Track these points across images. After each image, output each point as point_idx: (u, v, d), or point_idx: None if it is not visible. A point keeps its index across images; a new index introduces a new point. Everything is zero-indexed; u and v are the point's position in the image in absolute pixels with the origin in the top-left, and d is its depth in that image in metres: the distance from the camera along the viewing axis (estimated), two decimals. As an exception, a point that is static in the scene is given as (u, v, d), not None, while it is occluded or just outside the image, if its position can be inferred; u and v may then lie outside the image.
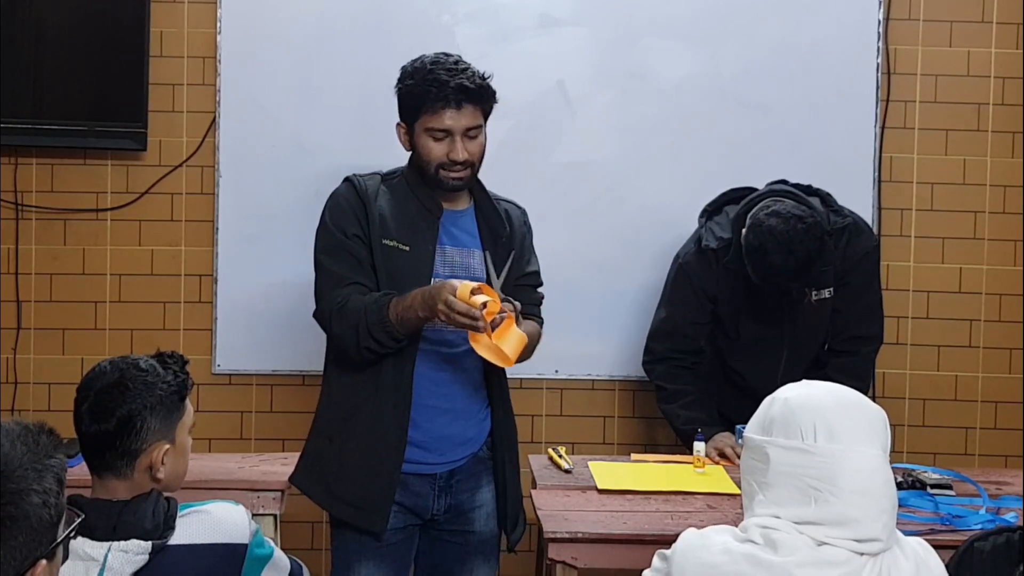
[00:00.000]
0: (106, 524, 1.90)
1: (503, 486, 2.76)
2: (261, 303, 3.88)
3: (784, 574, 1.78)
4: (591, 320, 3.90)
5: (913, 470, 2.95)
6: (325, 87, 3.86)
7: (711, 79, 3.90)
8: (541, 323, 2.84)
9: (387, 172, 2.76)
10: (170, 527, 1.94)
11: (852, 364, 3.39)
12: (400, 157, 2.77)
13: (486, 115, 2.68)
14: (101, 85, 3.81)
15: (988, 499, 2.78)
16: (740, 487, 1.98)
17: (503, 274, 2.64)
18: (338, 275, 2.65)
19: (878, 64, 3.90)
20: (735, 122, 3.89)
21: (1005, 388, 3.98)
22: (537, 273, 2.87)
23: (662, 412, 3.44)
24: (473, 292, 2.45)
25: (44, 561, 1.35)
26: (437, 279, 2.64)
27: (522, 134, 3.84)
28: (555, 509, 2.70)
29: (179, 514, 1.97)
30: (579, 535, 2.57)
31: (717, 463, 3.11)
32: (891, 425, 1.91)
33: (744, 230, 3.14)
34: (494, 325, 2.48)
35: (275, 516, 2.91)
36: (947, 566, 1.97)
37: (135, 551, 1.90)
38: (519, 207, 2.86)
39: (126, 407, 1.96)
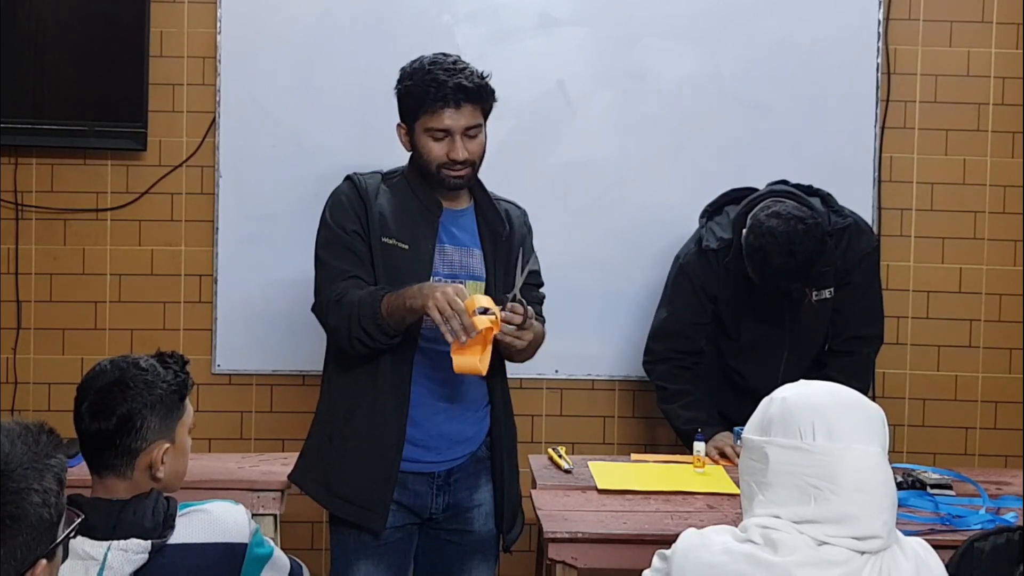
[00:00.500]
0: (106, 523, 1.91)
1: (501, 486, 2.76)
2: (261, 303, 3.88)
3: (784, 574, 1.78)
4: (591, 320, 3.90)
5: (913, 470, 2.95)
6: (325, 87, 3.86)
7: (711, 79, 3.90)
8: (543, 322, 2.85)
9: (388, 171, 2.77)
10: (170, 526, 1.94)
11: (852, 364, 3.39)
12: (400, 157, 2.77)
13: (486, 114, 2.68)
14: (101, 85, 3.81)
15: (988, 499, 2.78)
16: (740, 488, 1.98)
17: (521, 278, 2.63)
18: (337, 269, 2.66)
19: (878, 64, 3.90)
20: (735, 122, 3.89)
21: (1005, 388, 3.98)
22: (538, 273, 2.87)
23: (663, 412, 3.44)
24: (481, 310, 2.46)
25: (44, 561, 1.35)
26: (436, 278, 2.65)
27: (522, 134, 3.84)
28: (555, 509, 2.70)
29: (179, 513, 1.97)
30: (579, 535, 2.57)
31: (717, 463, 3.11)
32: (891, 425, 1.92)
33: (744, 231, 3.14)
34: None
35: (275, 516, 2.92)
36: (947, 566, 1.96)
37: (135, 550, 1.90)
38: (519, 207, 2.87)
39: (126, 406, 1.96)
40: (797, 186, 3.30)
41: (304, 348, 3.69)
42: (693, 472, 3.00)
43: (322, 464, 2.73)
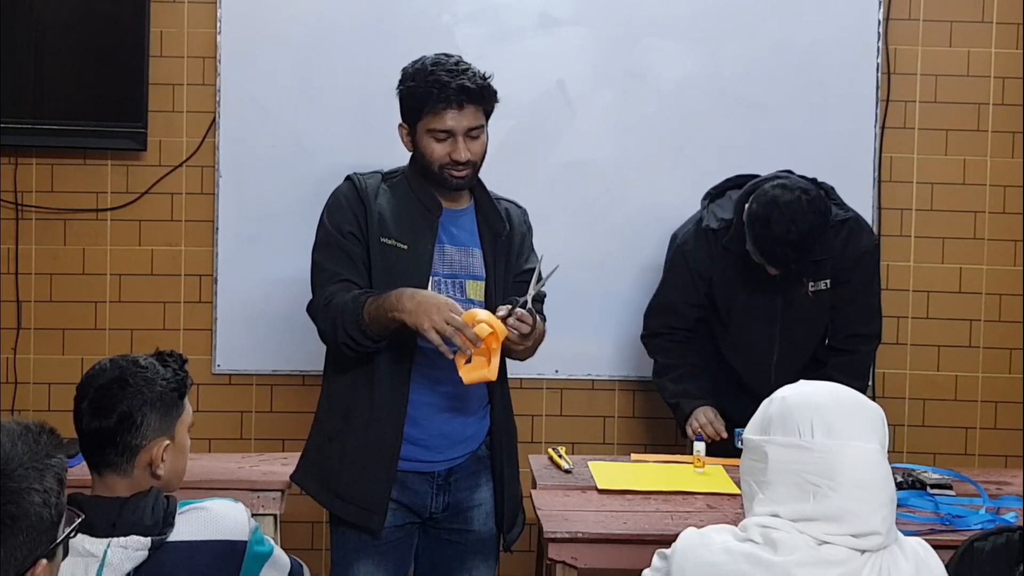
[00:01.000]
0: (106, 521, 1.91)
1: (501, 485, 2.77)
2: (261, 303, 3.88)
3: (784, 573, 1.78)
4: (591, 320, 3.90)
5: (913, 470, 2.95)
6: (325, 87, 3.86)
7: (711, 79, 3.90)
8: (544, 320, 2.85)
9: (388, 171, 2.77)
10: (169, 524, 1.95)
11: (852, 363, 3.39)
12: (400, 156, 2.77)
13: (487, 115, 2.69)
14: (101, 85, 3.81)
15: (988, 499, 2.77)
16: (740, 488, 1.98)
17: (534, 289, 2.63)
18: (330, 271, 2.67)
19: (878, 64, 3.90)
20: (735, 122, 3.89)
21: (1005, 388, 3.98)
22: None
23: (655, 386, 3.49)
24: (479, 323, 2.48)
25: (44, 560, 1.35)
26: (436, 278, 2.66)
27: (522, 134, 3.84)
28: (555, 509, 2.70)
29: (178, 511, 1.98)
30: (579, 535, 2.57)
31: (703, 435, 3.18)
32: (891, 425, 1.92)
33: (748, 202, 3.16)
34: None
35: (275, 516, 2.91)
36: (947, 566, 1.97)
37: (134, 547, 1.90)
38: (519, 206, 2.87)
39: (126, 403, 1.97)
40: (802, 178, 3.30)
41: (304, 348, 3.69)
42: (693, 472, 3.00)
43: (322, 464, 2.73)
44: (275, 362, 3.92)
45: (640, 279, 3.84)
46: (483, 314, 2.51)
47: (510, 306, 2.54)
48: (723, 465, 3.05)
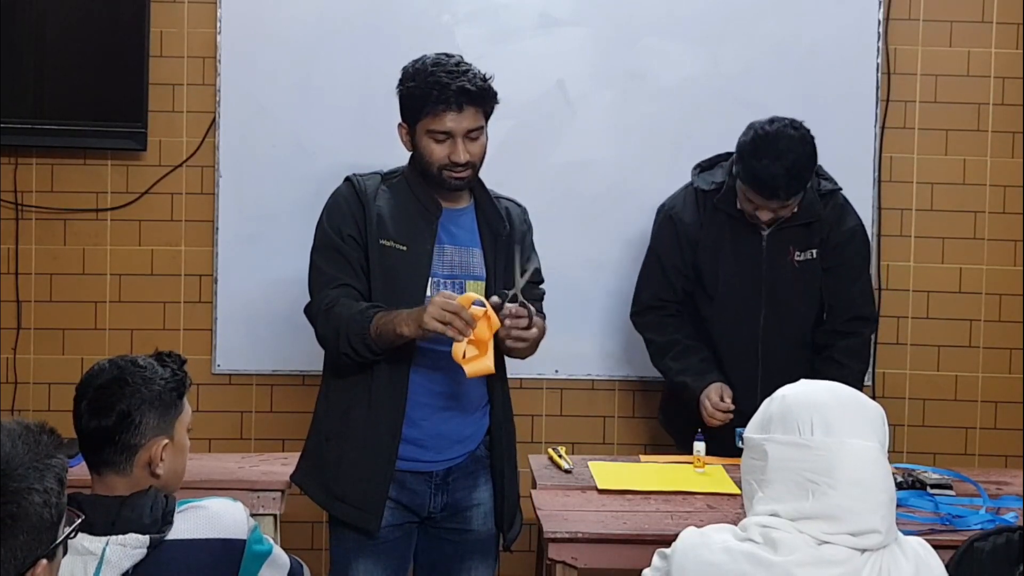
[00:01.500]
0: (105, 519, 1.91)
1: (501, 485, 2.77)
2: (261, 303, 3.88)
3: (784, 573, 1.78)
4: (591, 320, 3.90)
5: (913, 470, 2.95)
6: (325, 87, 3.86)
7: (711, 79, 3.90)
8: (544, 318, 2.85)
9: (387, 172, 2.77)
10: (168, 522, 1.95)
11: (856, 346, 3.37)
12: (400, 157, 2.77)
13: (487, 116, 2.69)
14: (101, 85, 3.81)
15: (988, 499, 2.77)
16: (741, 489, 1.98)
17: (522, 279, 2.63)
18: (329, 275, 2.67)
19: (878, 64, 3.90)
20: (735, 122, 3.85)
21: (1005, 388, 3.98)
22: (538, 270, 2.87)
23: (657, 370, 3.46)
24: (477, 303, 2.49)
25: (45, 560, 1.36)
26: (435, 279, 2.66)
27: (522, 134, 3.84)
28: (555, 509, 2.70)
29: (177, 509, 1.98)
30: (579, 535, 2.57)
31: (713, 421, 3.17)
32: (891, 425, 1.92)
33: (739, 137, 3.21)
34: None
35: (275, 516, 2.91)
36: (947, 566, 1.97)
37: (133, 545, 1.90)
38: (519, 205, 2.87)
39: (126, 402, 1.97)
40: None
41: (304, 348, 3.68)
42: (693, 472, 3.00)
43: (321, 465, 2.74)
44: (275, 362, 3.92)
45: (640, 279, 3.83)
46: (475, 296, 2.53)
47: (500, 299, 2.54)
48: (723, 465, 3.05)
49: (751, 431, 1.93)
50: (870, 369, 3.93)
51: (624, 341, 3.89)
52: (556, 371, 3.93)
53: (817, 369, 3.24)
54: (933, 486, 2.85)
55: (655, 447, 3.77)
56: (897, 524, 1.88)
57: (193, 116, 3.90)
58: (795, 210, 3.23)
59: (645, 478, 2.95)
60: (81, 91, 3.81)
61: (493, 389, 2.77)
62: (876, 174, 3.93)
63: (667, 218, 3.40)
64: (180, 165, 3.90)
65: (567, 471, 3.01)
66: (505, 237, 2.75)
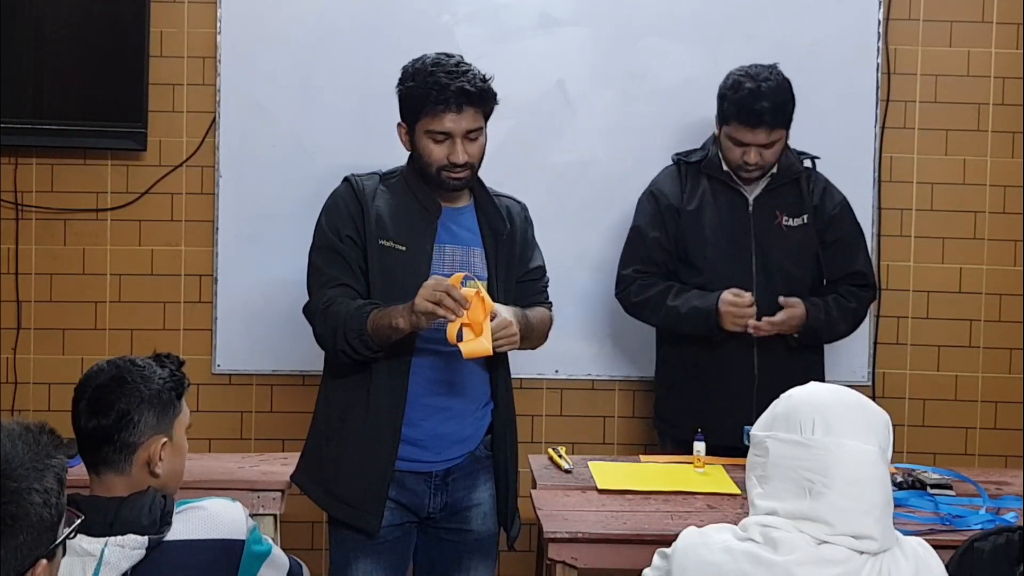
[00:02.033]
0: (103, 520, 1.91)
1: (505, 482, 2.77)
2: (261, 303, 3.88)
3: (784, 573, 1.78)
4: (591, 320, 3.90)
5: (913, 470, 2.95)
6: (325, 87, 3.86)
7: (711, 79, 3.87)
8: (550, 307, 2.87)
9: (386, 172, 2.77)
10: (167, 523, 1.95)
11: (854, 294, 3.39)
12: (400, 157, 2.77)
13: (486, 117, 2.68)
14: (101, 85, 3.81)
15: (988, 499, 2.78)
16: (742, 488, 1.98)
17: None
18: (327, 275, 2.68)
19: (878, 64, 3.90)
20: (735, 122, 3.88)
21: (1005, 388, 3.98)
22: (541, 267, 2.87)
23: (660, 325, 3.42)
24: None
25: (44, 561, 1.36)
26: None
27: (522, 134, 3.84)
28: (555, 509, 2.70)
29: (176, 510, 1.98)
30: (579, 535, 2.57)
31: (743, 321, 3.18)
32: (891, 425, 1.92)
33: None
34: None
35: (275, 516, 2.91)
36: (947, 566, 1.97)
37: (131, 546, 1.90)
38: (519, 202, 2.87)
39: (124, 401, 1.98)
40: None
41: (304, 348, 3.67)
42: (693, 472, 3.00)
43: (320, 465, 2.74)
44: (275, 362, 3.92)
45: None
46: (466, 275, 2.54)
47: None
48: (723, 465, 3.05)
49: (757, 429, 1.95)
50: (870, 369, 3.94)
51: (624, 341, 3.89)
52: (556, 371, 3.93)
53: (812, 299, 3.30)
54: (933, 486, 2.85)
55: (655, 447, 3.77)
56: (897, 524, 1.88)
57: (193, 116, 3.90)
58: (778, 155, 3.30)
59: (645, 478, 2.95)
60: (81, 91, 3.81)
61: (496, 386, 2.77)
62: (876, 174, 3.93)
63: (648, 194, 3.45)
64: (180, 165, 3.90)
65: (567, 471, 3.01)
66: (506, 236, 2.75)
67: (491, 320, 2.52)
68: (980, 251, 3.97)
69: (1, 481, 1.33)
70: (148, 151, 3.86)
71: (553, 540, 2.56)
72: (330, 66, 3.86)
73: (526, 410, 3.76)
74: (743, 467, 2.01)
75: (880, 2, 3.88)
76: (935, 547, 1.94)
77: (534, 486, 2.93)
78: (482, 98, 2.64)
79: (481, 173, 2.73)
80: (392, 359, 2.64)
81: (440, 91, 2.59)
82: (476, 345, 2.50)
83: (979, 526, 2.57)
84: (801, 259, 3.36)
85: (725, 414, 3.20)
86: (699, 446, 3.06)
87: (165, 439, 2.01)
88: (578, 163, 3.91)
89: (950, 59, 3.95)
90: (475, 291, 2.50)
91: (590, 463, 3.07)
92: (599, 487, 2.87)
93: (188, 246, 3.92)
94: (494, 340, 2.52)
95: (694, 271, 3.36)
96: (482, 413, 2.77)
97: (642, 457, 3.27)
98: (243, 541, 2.01)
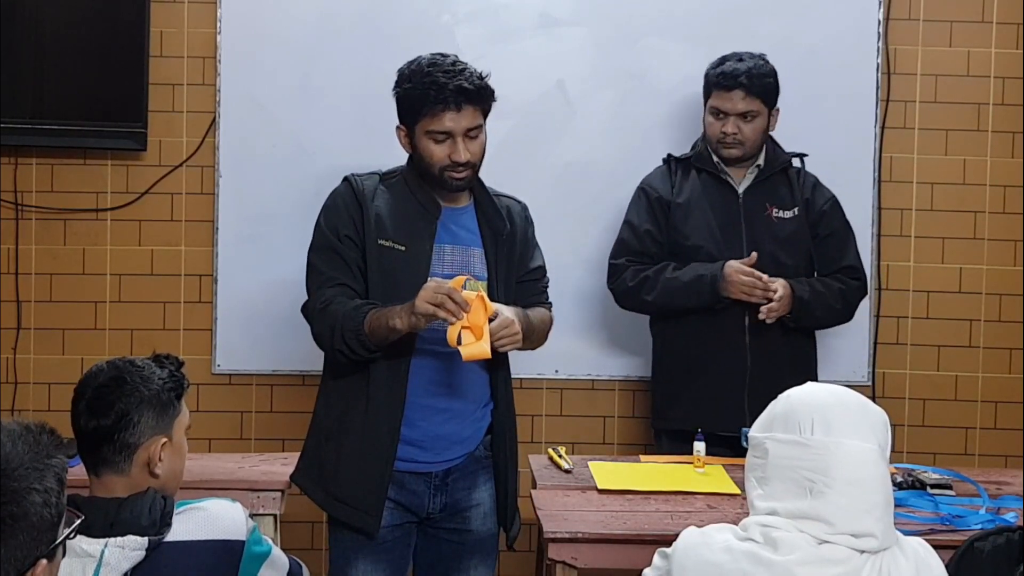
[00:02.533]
0: (103, 521, 1.91)
1: (504, 482, 2.77)
2: (261, 303, 3.88)
3: (785, 572, 1.78)
4: (591, 320, 3.90)
5: (913, 470, 2.95)
6: (325, 87, 3.86)
7: (711, 79, 3.89)
8: (550, 307, 2.87)
9: (386, 172, 2.77)
10: (167, 524, 1.95)
11: (843, 280, 3.41)
12: (400, 157, 2.77)
13: (486, 114, 2.68)
14: (101, 85, 3.81)
15: (988, 499, 2.78)
16: (742, 488, 1.98)
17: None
18: (326, 275, 2.68)
19: (878, 64, 3.90)
20: (735, 122, 3.88)
21: (1005, 388, 3.98)
22: (542, 267, 2.87)
23: (659, 304, 3.40)
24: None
25: (44, 561, 1.36)
26: (435, 277, 2.65)
27: (522, 134, 3.84)
28: (555, 509, 2.70)
29: (176, 511, 1.98)
30: (579, 535, 2.57)
31: (752, 294, 3.22)
32: (891, 425, 1.92)
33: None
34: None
35: (275, 516, 2.91)
36: (947, 566, 1.97)
37: (131, 547, 1.90)
38: (519, 202, 2.87)
39: (124, 401, 1.98)
40: None
41: (304, 348, 3.66)
42: (693, 472, 3.00)
43: (320, 465, 2.74)
44: (275, 362, 3.92)
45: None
46: (468, 278, 2.55)
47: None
48: (723, 465, 3.05)
49: (755, 430, 1.94)
50: (870, 369, 3.94)
51: (624, 342, 3.89)
52: (556, 371, 3.93)
53: (793, 279, 3.31)
54: (933, 486, 2.85)
55: (655, 447, 3.76)
56: (897, 524, 1.88)
57: (193, 116, 3.90)
58: (758, 134, 3.35)
59: (645, 478, 2.95)
60: (81, 91, 3.81)
61: (496, 387, 2.77)
62: (876, 174, 3.93)
63: (639, 190, 3.49)
64: (180, 165, 3.91)
65: (567, 471, 3.01)
66: (506, 236, 2.75)
67: (492, 320, 2.52)
68: (980, 251, 3.98)
69: (1, 481, 1.33)
70: (148, 151, 3.86)
71: (553, 540, 2.56)
72: (330, 66, 3.86)
73: (526, 410, 3.76)
74: (743, 467, 2.01)
75: (880, 2, 3.88)
76: (935, 547, 1.94)
77: (534, 486, 2.93)
78: (480, 95, 2.64)
79: (481, 173, 2.73)
80: (391, 360, 2.64)
81: (438, 91, 2.59)
82: (476, 348, 2.50)
83: (979, 526, 2.57)
84: (792, 250, 3.38)
85: (717, 401, 3.28)
86: (699, 446, 3.06)
87: (165, 439, 2.01)
88: (578, 163, 3.91)
89: (950, 59, 3.95)
90: (476, 294, 2.50)
91: (590, 463, 3.07)
92: (599, 487, 2.86)
93: (188, 246, 3.92)
94: (496, 339, 2.52)
95: (686, 263, 3.37)
96: (482, 414, 2.77)
97: (642, 457, 3.27)
98: (243, 542, 2.01)
